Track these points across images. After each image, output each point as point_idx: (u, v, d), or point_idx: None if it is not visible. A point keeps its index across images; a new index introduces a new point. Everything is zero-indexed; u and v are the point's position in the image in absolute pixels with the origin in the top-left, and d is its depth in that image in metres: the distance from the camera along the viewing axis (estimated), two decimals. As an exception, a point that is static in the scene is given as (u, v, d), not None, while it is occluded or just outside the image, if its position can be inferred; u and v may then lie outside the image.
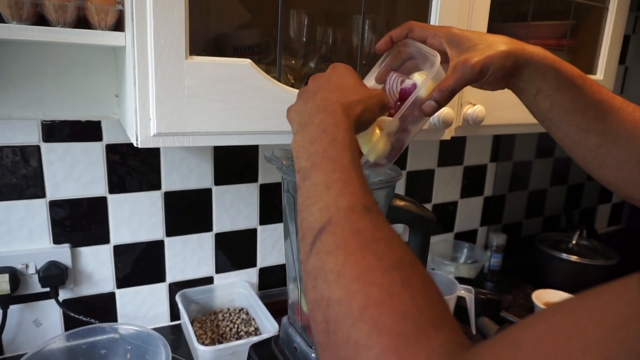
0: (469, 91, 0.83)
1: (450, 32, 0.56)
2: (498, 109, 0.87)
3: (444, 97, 0.53)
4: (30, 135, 0.84)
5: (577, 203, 1.71)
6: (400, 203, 0.57)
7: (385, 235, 0.36)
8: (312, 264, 0.37)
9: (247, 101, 0.64)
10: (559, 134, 0.57)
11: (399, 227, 1.26)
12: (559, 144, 0.58)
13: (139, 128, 0.61)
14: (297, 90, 0.68)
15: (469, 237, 1.43)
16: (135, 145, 0.62)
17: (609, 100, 0.54)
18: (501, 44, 0.54)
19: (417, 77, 0.55)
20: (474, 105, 0.84)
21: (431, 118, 0.80)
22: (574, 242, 1.39)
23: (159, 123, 0.60)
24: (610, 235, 1.79)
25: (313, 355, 0.61)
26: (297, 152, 0.45)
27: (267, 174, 1.05)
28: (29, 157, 0.84)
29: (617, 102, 0.54)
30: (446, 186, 1.32)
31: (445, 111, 0.78)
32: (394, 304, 0.32)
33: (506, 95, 0.88)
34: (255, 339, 0.87)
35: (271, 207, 1.08)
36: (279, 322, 0.69)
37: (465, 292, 1.03)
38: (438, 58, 0.54)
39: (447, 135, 0.83)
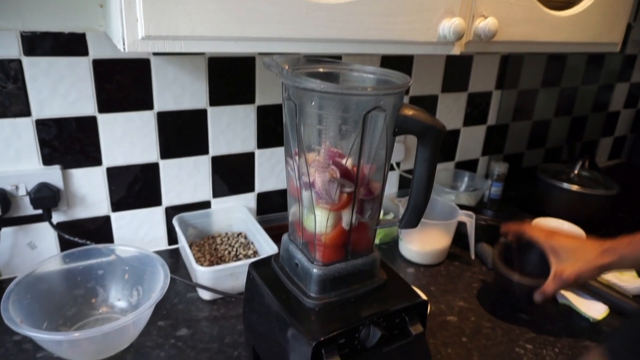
0: (482, 1, 0.77)
1: (551, 245, 0.77)
2: (511, 24, 0.82)
3: (548, 297, 0.76)
4: (10, 48, 0.78)
5: (579, 135, 1.68)
6: (409, 112, 0.53)
7: None
8: None
9: (244, 2, 0.59)
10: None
11: (401, 144, 1.23)
12: None
13: (125, 30, 0.55)
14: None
15: (470, 166, 1.41)
16: (122, 50, 0.57)
17: None
18: (597, 256, 0.70)
19: None
20: (486, 17, 0.78)
21: (441, 30, 0.75)
22: (575, 172, 1.36)
23: (147, 24, 0.55)
24: (610, 169, 1.78)
25: (315, 270, 0.59)
26: None
27: (265, 95, 1.00)
28: (9, 71, 0.79)
29: None
30: (449, 113, 1.28)
31: (457, 22, 0.73)
32: None
33: (520, 9, 0.83)
34: (254, 259, 0.86)
35: (269, 131, 1.04)
36: (279, 247, 0.68)
37: (466, 218, 1.02)
38: None
39: (457, 49, 0.78)
